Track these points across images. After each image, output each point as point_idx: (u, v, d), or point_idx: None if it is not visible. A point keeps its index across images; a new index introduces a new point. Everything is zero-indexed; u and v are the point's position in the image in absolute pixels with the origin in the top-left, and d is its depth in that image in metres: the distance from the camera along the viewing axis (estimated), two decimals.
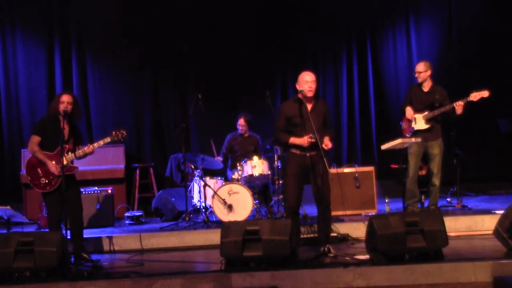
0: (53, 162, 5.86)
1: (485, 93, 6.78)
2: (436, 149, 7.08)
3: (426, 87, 7.16)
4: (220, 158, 8.32)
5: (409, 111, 7.13)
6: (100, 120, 9.49)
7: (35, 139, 5.93)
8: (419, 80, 7.15)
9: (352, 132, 9.93)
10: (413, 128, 7.08)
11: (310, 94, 5.79)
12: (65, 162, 5.78)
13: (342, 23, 9.95)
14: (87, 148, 5.94)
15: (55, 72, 9.46)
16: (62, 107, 5.84)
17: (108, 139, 6.02)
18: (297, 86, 5.87)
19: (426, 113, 7.03)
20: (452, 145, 7.93)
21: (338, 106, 9.85)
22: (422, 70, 7.11)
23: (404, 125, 7.25)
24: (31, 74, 9.43)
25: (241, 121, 8.37)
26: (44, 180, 5.88)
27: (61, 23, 9.51)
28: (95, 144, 6.01)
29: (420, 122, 7.06)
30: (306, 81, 5.79)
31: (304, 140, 5.72)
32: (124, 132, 6.04)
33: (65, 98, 5.90)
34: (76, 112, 5.98)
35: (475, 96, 6.79)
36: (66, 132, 5.89)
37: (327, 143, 5.69)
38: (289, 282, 5.07)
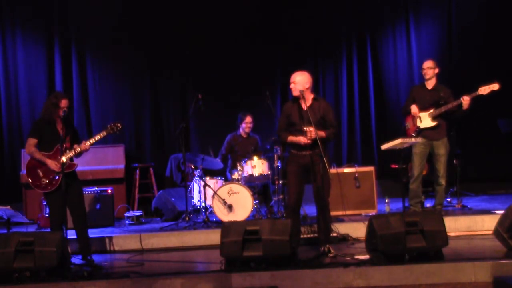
0: (52, 160, 5.86)
1: (495, 86, 6.61)
2: (442, 149, 7.00)
3: (430, 85, 7.08)
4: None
5: (414, 108, 7.01)
6: (100, 120, 9.46)
7: (32, 141, 5.96)
8: (427, 76, 7.04)
9: (352, 132, 9.93)
10: (418, 126, 7.00)
11: (293, 93, 5.87)
12: (64, 160, 5.79)
13: (342, 23, 9.95)
14: (82, 145, 5.91)
15: (55, 72, 9.46)
16: (61, 112, 5.86)
17: (104, 133, 5.96)
18: None
19: (431, 110, 6.94)
20: (452, 145, 7.89)
21: (338, 106, 9.84)
22: (432, 66, 7.05)
23: (408, 124, 7.16)
24: (31, 74, 9.42)
25: (249, 119, 8.28)
26: (45, 180, 5.88)
27: (61, 23, 9.50)
28: (91, 140, 5.95)
29: (426, 120, 6.97)
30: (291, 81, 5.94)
31: (299, 139, 5.76)
32: (119, 125, 5.97)
33: (65, 103, 5.90)
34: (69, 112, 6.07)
35: (484, 90, 6.64)
36: (63, 132, 5.88)
37: (310, 134, 5.65)
38: (289, 282, 5.07)
